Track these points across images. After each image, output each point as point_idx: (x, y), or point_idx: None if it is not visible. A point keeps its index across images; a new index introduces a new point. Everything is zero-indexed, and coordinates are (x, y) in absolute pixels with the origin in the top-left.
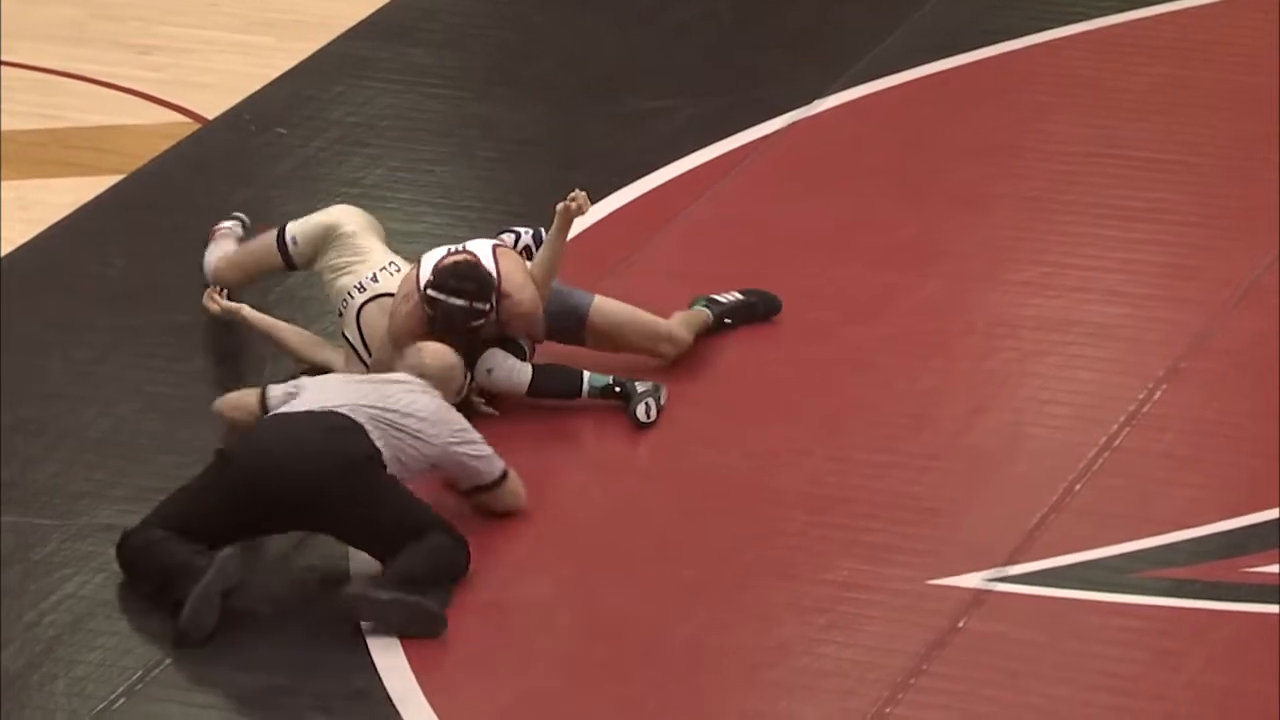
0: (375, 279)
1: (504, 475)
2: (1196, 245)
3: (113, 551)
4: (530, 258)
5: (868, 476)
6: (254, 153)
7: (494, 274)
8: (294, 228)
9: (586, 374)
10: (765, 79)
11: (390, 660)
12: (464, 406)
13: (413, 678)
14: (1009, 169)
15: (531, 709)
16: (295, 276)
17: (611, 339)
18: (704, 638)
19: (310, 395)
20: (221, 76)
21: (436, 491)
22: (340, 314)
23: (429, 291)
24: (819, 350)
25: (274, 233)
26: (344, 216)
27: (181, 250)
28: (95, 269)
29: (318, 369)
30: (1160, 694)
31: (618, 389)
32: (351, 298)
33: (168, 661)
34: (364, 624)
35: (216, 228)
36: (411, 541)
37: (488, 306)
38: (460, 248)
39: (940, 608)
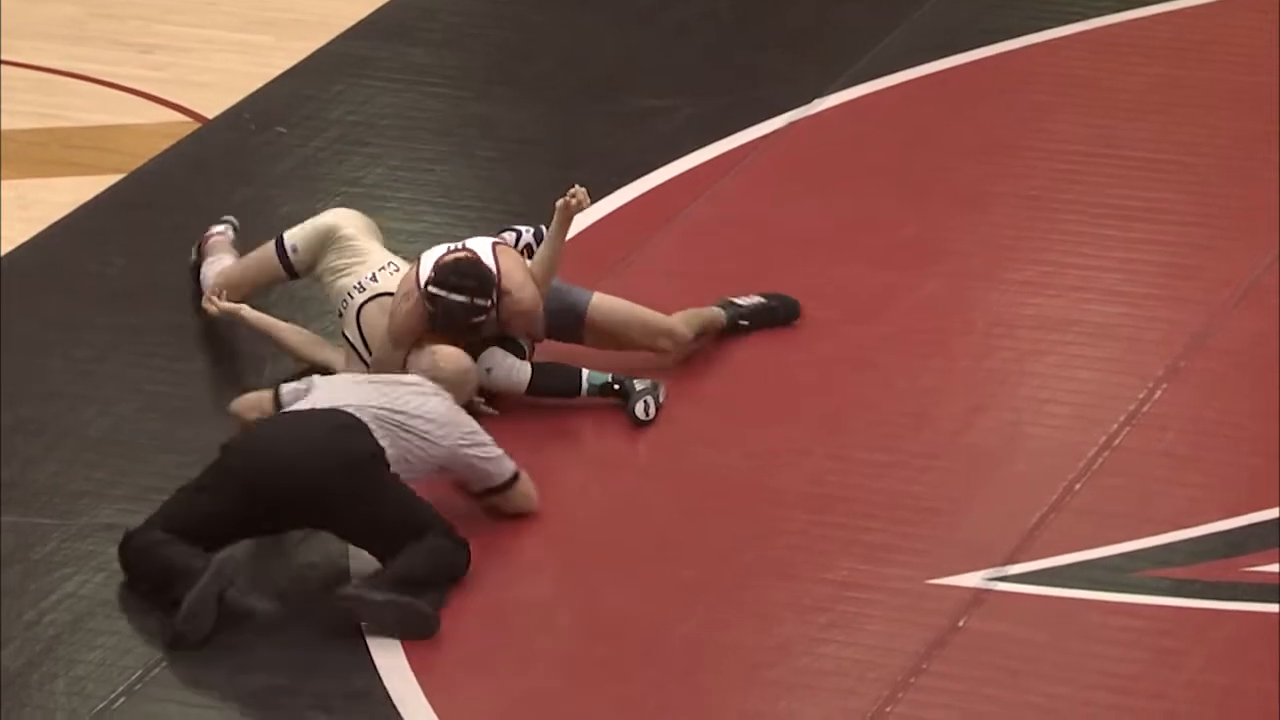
0: (374, 279)
1: (515, 477)
2: (1196, 245)
3: (113, 551)
4: (531, 256)
5: (868, 476)
6: (254, 152)
7: (494, 271)
8: (293, 236)
9: (585, 372)
10: (765, 78)
11: (390, 660)
12: (464, 406)
13: (413, 677)
14: (1008, 168)
15: (531, 709)
16: None
17: (611, 336)
18: (704, 637)
19: (320, 394)
20: (221, 75)
21: (440, 492)
22: (340, 314)
23: (430, 288)
24: (819, 349)
25: (271, 245)
26: (342, 219)
27: (181, 249)
28: (95, 268)
29: (318, 368)
30: (1160, 693)
31: (616, 387)
32: (351, 298)
33: (167, 661)
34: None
35: (208, 236)
36: (412, 541)
37: (489, 303)
38: (460, 245)
39: (940, 607)
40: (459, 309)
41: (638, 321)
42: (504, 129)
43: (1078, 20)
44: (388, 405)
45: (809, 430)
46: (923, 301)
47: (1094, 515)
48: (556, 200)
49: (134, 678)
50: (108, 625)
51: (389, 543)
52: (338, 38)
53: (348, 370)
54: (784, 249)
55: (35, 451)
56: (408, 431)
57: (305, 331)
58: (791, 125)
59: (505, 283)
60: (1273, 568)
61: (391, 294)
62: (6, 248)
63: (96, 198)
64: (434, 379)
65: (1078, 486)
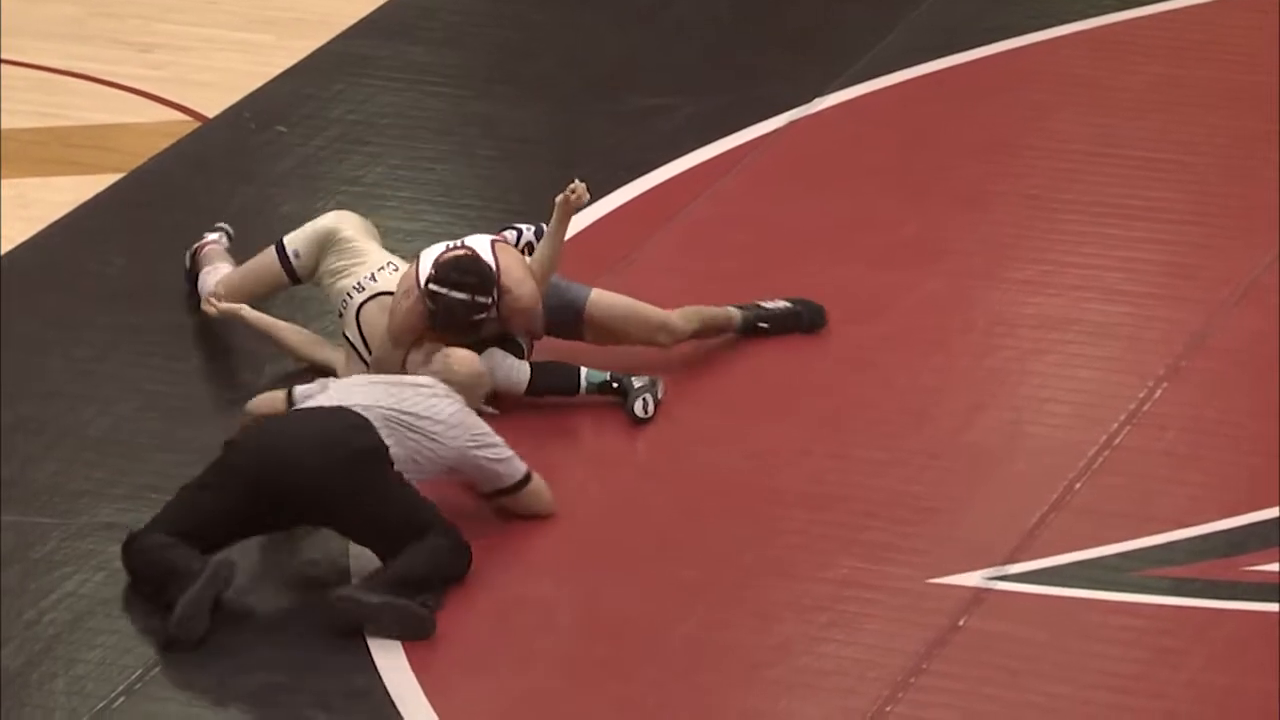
0: (374, 278)
1: (527, 478)
2: (1196, 244)
3: (113, 550)
4: (532, 254)
5: (868, 475)
6: (254, 151)
7: (494, 268)
8: (293, 241)
9: (583, 370)
10: (765, 77)
11: (390, 659)
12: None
13: (412, 677)
14: (1008, 167)
15: (531, 708)
16: None
17: (609, 332)
18: (704, 636)
19: (331, 394)
20: (221, 74)
21: (442, 492)
22: (340, 315)
23: (430, 286)
24: (819, 348)
25: (272, 251)
26: (340, 221)
27: (181, 249)
28: (95, 267)
29: (318, 368)
30: (1160, 692)
31: (615, 385)
32: (351, 298)
33: (167, 660)
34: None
35: (202, 244)
36: (414, 541)
37: (489, 300)
38: (459, 243)
39: (940, 606)
40: (460, 307)
41: (636, 317)
42: (504, 128)
43: (1077, 19)
44: (396, 406)
45: (809, 429)
46: (923, 300)
47: (1094, 514)
48: (556, 197)
49: (134, 677)
50: (107, 624)
51: (390, 541)
52: (338, 36)
53: (348, 370)
54: (784, 248)
55: (35, 450)
56: (415, 432)
57: (305, 331)
58: (792, 124)
59: (504, 280)
60: (1273, 567)
61: (391, 293)
62: (6, 247)
63: (96, 197)
64: (447, 381)
65: (1078, 486)
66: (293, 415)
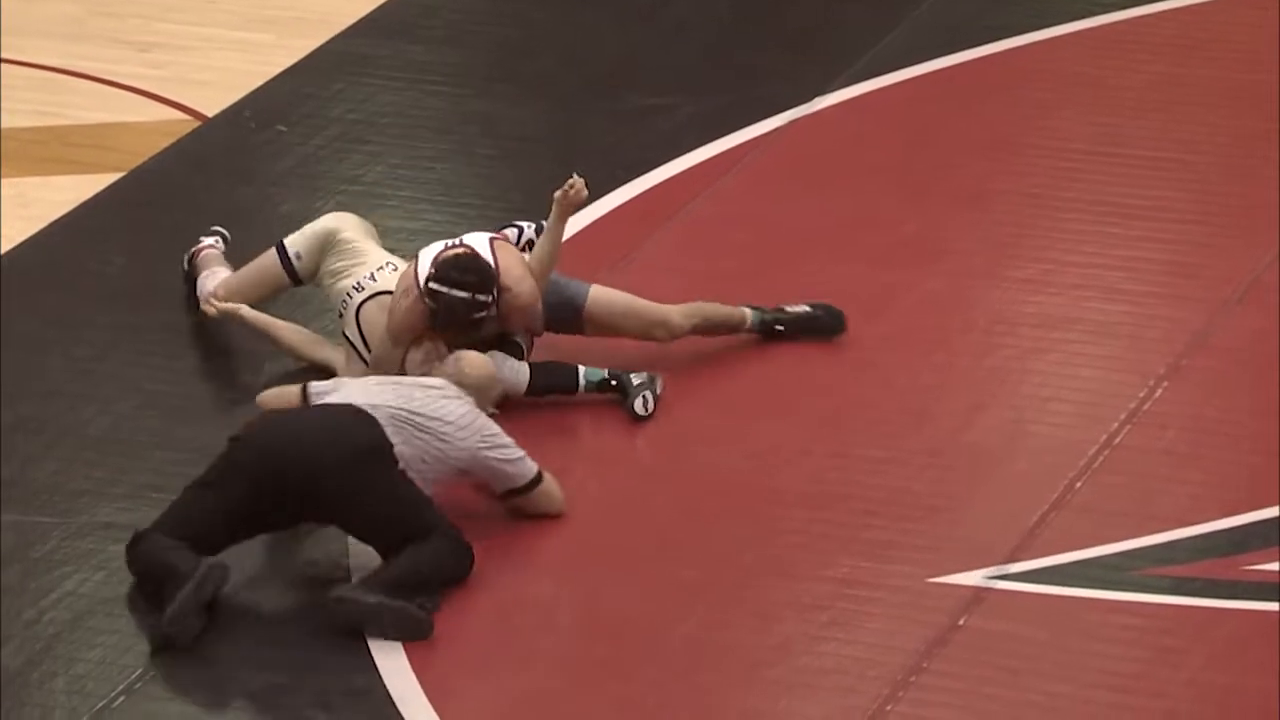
0: (373, 278)
1: (538, 478)
2: (1197, 243)
3: (113, 549)
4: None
5: (868, 474)
6: (254, 150)
7: (493, 266)
8: (294, 243)
9: (581, 369)
10: (766, 76)
11: (390, 659)
12: None
13: (413, 676)
14: (1010, 166)
15: (531, 708)
16: None
17: (609, 328)
18: (704, 636)
19: (343, 393)
20: (221, 74)
21: (445, 493)
22: (340, 315)
23: (431, 285)
24: (819, 348)
25: (273, 253)
26: (340, 222)
27: (181, 248)
28: (95, 266)
29: (317, 368)
30: (1161, 691)
31: (614, 382)
32: (350, 298)
33: (167, 660)
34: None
35: (199, 249)
36: (415, 541)
37: (490, 299)
38: (458, 241)
39: (941, 605)
40: (460, 305)
41: (635, 313)
42: (504, 127)
43: (1079, 18)
44: (404, 405)
45: (809, 428)
46: (923, 299)
47: (1095, 513)
48: (554, 193)
49: (134, 676)
50: (107, 624)
51: (392, 540)
52: (338, 35)
53: (348, 369)
54: (785, 247)
55: (35, 450)
56: (424, 431)
57: (304, 330)
58: (792, 123)
59: (503, 278)
60: (1273, 566)
61: (390, 292)
62: (6, 246)
63: (96, 196)
64: (459, 384)
65: (1079, 485)
66: (298, 412)
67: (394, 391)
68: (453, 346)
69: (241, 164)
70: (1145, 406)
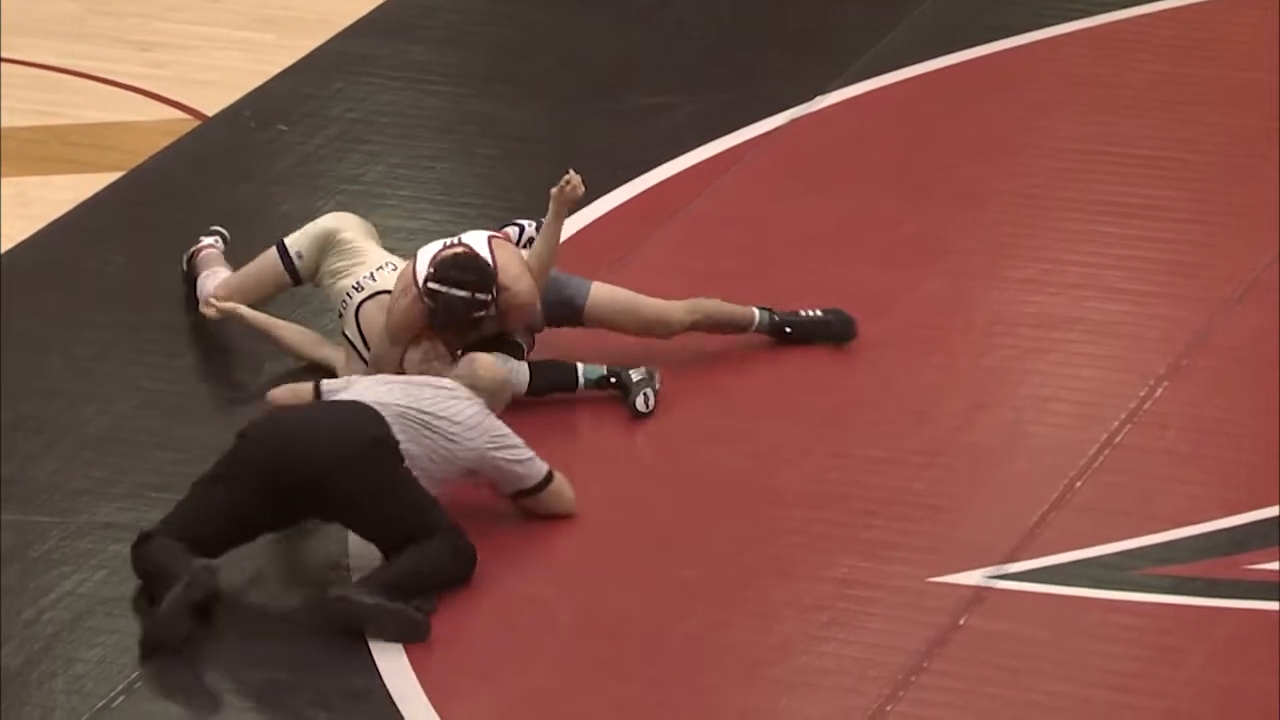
0: (372, 278)
1: (548, 479)
2: (1197, 242)
3: (113, 549)
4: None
5: (868, 474)
6: (254, 150)
7: (492, 265)
8: (295, 243)
9: (580, 366)
10: (766, 76)
11: (391, 659)
12: None
13: (413, 676)
14: (1009, 166)
15: (532, 708)
16: None
17: (611, 325)
18: (704, 636)
19: (354, 391)
20: (222, 73)
21: (448, 493)
22: (340, 315)
23: (430, 284)
24: (819, 348)
25: (273, 253)
26: (340, 222)
27: (181, 248)
28: (95, 266)
29: (317, 367)
30: (1161, 691)
31: (613, 380)
32: (350, 297)
33: (166, 659)
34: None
35: (198, 249)
36: (418, 541)
37: (489, 297)
38: (456, 240)
39: (941, 605)
40: (460, 304)
41: (637, 310)
42: (504, 126)
43: (1078, 18)
44: (413, 404)
45: (809, 428)
46: (923, 299)
47: (1095, 513)
48: (551, 190)
49: (133, 676)
50: (107, 624)
51: (395, 539)
52: (338, 35)
53: (348, 369)
54: (785, 246)
55: (35, 449)
56: (432, 431)
57: (304, 330)
58: (792, 123)
59: (501, 276)
60: (1274, 565)
61: (389, 292)
62: (6, 245)
63: (96, 195)
64: (472, 387)
65: (1079, 484)
66: (305, 408)
67: (403, 390)
68: (451, 346)
69: (242, 163)
70: (1145, 406)
